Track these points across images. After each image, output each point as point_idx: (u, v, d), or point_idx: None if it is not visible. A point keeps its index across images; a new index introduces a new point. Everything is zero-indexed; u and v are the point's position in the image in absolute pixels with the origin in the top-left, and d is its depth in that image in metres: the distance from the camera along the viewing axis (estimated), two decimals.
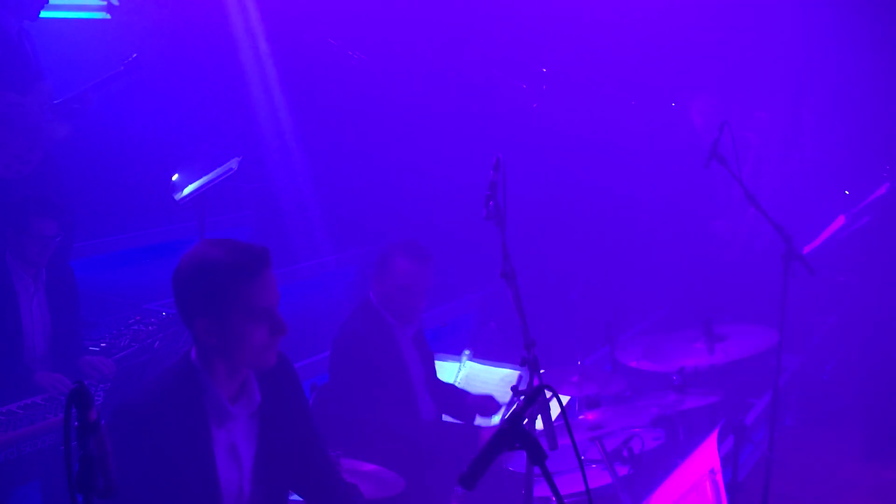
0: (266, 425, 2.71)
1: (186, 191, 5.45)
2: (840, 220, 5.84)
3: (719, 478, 2.98)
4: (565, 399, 4.53)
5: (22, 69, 5.37)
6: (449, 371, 5.05)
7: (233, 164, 5.44)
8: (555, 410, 2.87)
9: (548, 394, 2.43)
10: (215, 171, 5.44)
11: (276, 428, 2.73)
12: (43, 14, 5.52)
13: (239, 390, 2.66)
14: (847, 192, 7.03)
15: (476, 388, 4.82)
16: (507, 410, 4.53)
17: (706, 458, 3.08)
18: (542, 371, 2.99)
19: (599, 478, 3.91)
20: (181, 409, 2.55)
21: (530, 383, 3.00)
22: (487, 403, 4.58)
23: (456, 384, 4.96)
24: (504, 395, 4.66)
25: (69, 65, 5.91)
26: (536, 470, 2.30)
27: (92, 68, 5.81)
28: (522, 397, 2.36)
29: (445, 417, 4.60)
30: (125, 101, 5.99)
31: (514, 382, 4.41)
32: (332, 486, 2.95)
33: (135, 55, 5.53)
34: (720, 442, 3.23)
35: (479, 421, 4.65)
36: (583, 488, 2.52)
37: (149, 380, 2.73)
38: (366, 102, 7.91)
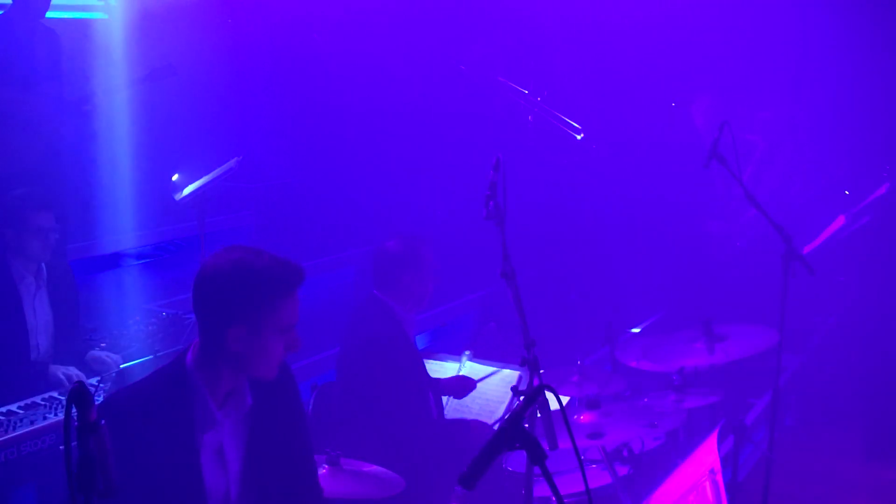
0: (256, 429, 2.69)
1: (186, 191, 5.44)
2: (840, 220, 5.84)
3: (719, 478, 2.99)
4: (565, 399, 4.53)
5: (27, 66, 5.39)
6: (449, 371, 5.04)
7: (233, 164, 5.44)
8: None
9: (549, 396, 2.44)
10: (215, 171, 5.44)
11: (266, 431, 2.71)
12: None
13: (228, 395, 2.64)
14: (847, 192, 7.03)
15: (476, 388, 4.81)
16: (507, 410, 4.53)
17: (706, 458, 3.08)
18: (542, 371, 2.99)
19: (599, 478, 3.91)
20: (166, 411, 2.54)
21: (530, 383, 2.99)
22: (461, 383, 4.59)
23: None
24: (504, 395, 4.65)
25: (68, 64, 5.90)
26: (536, 470, 2.30)
27: (90, 68, 5.82)
28: (522, 397, 2.36)
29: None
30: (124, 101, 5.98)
31: (514, 382, 4.42)
32: (311, 498, 2.87)
33: (168, 62, 5.56)
34: (720, 442, 3.23)
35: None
36: (583, 488, 2.52)
37: (139, 380, 2.72)
38: (366, 103, 7.90)
